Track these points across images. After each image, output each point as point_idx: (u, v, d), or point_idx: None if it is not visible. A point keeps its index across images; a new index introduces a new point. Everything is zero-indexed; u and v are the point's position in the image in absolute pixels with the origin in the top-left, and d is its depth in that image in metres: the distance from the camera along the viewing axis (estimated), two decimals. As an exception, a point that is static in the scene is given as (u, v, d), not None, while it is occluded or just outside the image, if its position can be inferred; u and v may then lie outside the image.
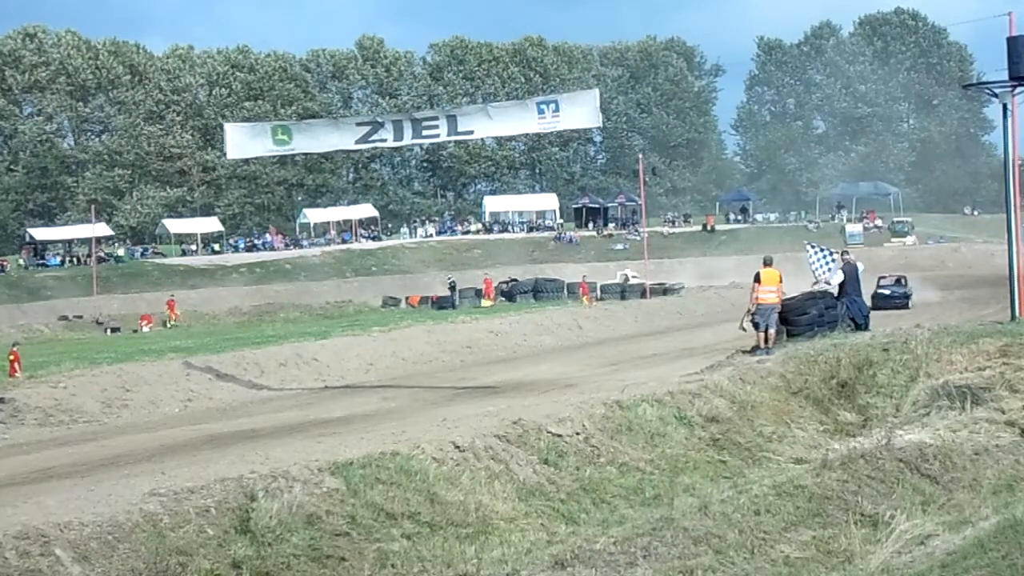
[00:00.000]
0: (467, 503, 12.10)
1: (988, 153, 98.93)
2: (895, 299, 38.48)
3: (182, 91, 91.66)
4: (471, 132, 23.94)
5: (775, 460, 15.39)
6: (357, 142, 23.95)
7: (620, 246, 77.65)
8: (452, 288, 59.13)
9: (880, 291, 39.17)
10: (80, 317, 60.53)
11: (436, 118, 23.96)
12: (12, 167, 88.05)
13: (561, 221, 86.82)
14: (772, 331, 21.95)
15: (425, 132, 23.74)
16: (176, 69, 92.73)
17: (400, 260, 77.02)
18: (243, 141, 25.04)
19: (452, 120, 23.13)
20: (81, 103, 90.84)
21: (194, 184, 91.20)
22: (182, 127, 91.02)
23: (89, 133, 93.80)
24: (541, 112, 22.49)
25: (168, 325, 56.64)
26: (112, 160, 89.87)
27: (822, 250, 26.55)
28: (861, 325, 23.13)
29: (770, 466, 15.09)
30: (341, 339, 30.71)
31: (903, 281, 41.73)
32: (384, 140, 23.50)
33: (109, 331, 55.05)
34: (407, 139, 24.21)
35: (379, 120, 24.97)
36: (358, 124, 24.48)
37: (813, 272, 25.95)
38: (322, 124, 28.55)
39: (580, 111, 22.75)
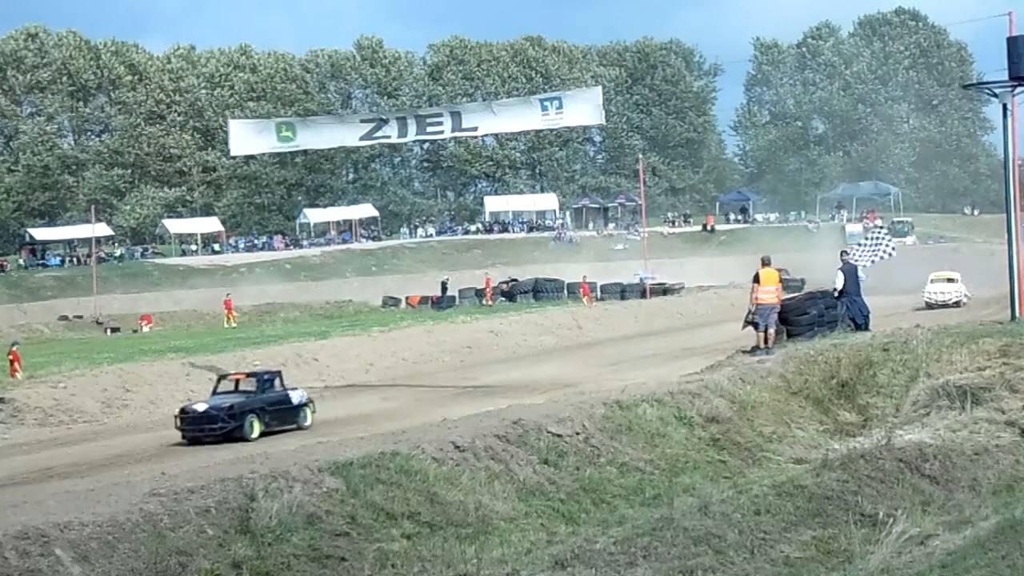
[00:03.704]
0: (467, 503, 12.09)
1: (988, 153, 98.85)
2: None
3: (183, 92, 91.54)
4: (475, 128, 23.96)
5: (775, 460, 15.38)
6: (362, 138, 23.93)
7: (620, 246, 77.64)
8: (444, 287, 59.09)
9: None
10: (80, 317, 60.49)
11: (440, 115, 23.96)
12: (13, 167, 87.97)
13: (561, 221, 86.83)
14: (772, 331, 21.96)
15: (430, 129, 23.73)
16: (177, 69, 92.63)
17: (400, 260, 77.01)
18: (247, 137, 25.00)
19: (456, 117, 23.11)
20: (82, 103, 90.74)
21: (194, 184, 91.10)
22: (183, 128, 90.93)
23: (89, 133, 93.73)
24: (545, 109, 22.52)
25: (227, 325, 51.89)
26: (112, 160, 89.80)
27: (880, 228, 26.07)
28: (861, 325, 23.10)
29: (770, 466, 15.08)
30: (341, 339, 30.70)
31: None
32: (388, 136, 23.52)
33: (109, 331, 54.99)
34: (411, 135, 24.23)
35: (383, 117, 25.02)
36: (362, 121, 24.56)
37: (873, 254, 25.65)
38: (326, 121, 28.57)
39: (583, 108, 22.82)
